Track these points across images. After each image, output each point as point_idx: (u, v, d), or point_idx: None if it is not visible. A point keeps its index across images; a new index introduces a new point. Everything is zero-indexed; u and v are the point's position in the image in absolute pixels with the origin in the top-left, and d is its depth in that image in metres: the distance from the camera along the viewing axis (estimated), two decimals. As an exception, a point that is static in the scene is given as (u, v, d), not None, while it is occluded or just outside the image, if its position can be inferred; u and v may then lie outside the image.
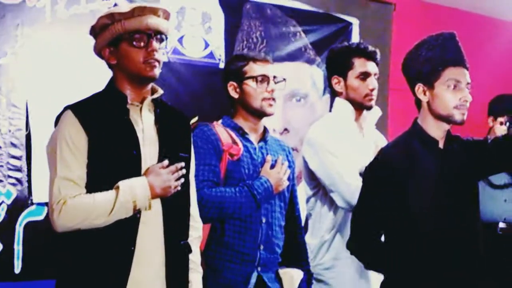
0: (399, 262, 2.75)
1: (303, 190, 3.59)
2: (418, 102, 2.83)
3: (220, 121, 3.25)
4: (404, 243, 2.75)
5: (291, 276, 3.21)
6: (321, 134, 3.42)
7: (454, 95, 2.72)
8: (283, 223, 3.22)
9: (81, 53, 3.92)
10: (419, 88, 2.79)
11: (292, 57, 5.09)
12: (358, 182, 3.07)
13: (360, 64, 3.43)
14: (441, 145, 2.80)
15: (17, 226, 3.87)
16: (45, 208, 3.83)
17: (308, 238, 3.49)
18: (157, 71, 2.60)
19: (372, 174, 2.84)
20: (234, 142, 3.12)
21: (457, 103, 2.72)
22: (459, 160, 2.79)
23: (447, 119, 2.76)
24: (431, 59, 2.76)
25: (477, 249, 2.79)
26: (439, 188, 2.75)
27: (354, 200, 3.04)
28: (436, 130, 2.79)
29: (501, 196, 4.41)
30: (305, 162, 3.46)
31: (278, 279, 3.19)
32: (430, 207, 2.73)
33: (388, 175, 2.76)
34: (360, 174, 3.20)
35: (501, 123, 4.47)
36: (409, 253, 2.73)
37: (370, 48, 3.47)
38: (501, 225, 4.35)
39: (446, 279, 2.70)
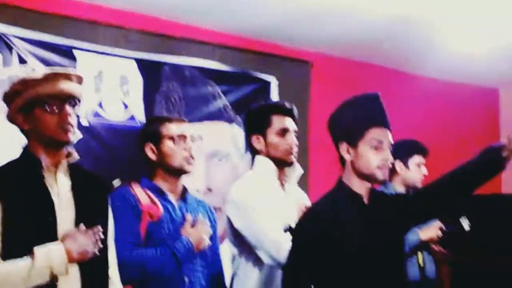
0: None
1: (227, 250, 3.57)
2: (342, 160, 2.83)
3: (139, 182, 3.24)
4: None
5: None
6: (243, 192, 3.40)
7: (376, 155, 2.74)
8: (204, 283, 3.20)
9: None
10: (343, 146, 2.79)
11: (212, 117, 5.12)
12: (283, 238, 3.08)
13: (278, 121, 3.44)
14: (365, 200, 2.81)
15: None
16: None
17: (233, 298, 3.46)
18: (71, 135, 2.60)
19: (301, 231, 2.81)
20: (153, 202, 3.11)
21: (379, 163, 2.74)
22: (384, 214, 2.81)
23: (369, 177, 2.77)
24: (356, 118, 2.77)
25: None
26: (367, 242, 2.75)
27: (280, 256, 3.05)
28: (360, 187, 2.79)
29: None
30: (229, 221, 3.43)
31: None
32: (360, 261, 2.72)
33: (317, 231, 2.73)
34: (284, 231, 3.20)
35: (418, 165, 4.50)
36: None
37: (287, 105, 3.50)
38: (465, 221, 4.36)
39: None
